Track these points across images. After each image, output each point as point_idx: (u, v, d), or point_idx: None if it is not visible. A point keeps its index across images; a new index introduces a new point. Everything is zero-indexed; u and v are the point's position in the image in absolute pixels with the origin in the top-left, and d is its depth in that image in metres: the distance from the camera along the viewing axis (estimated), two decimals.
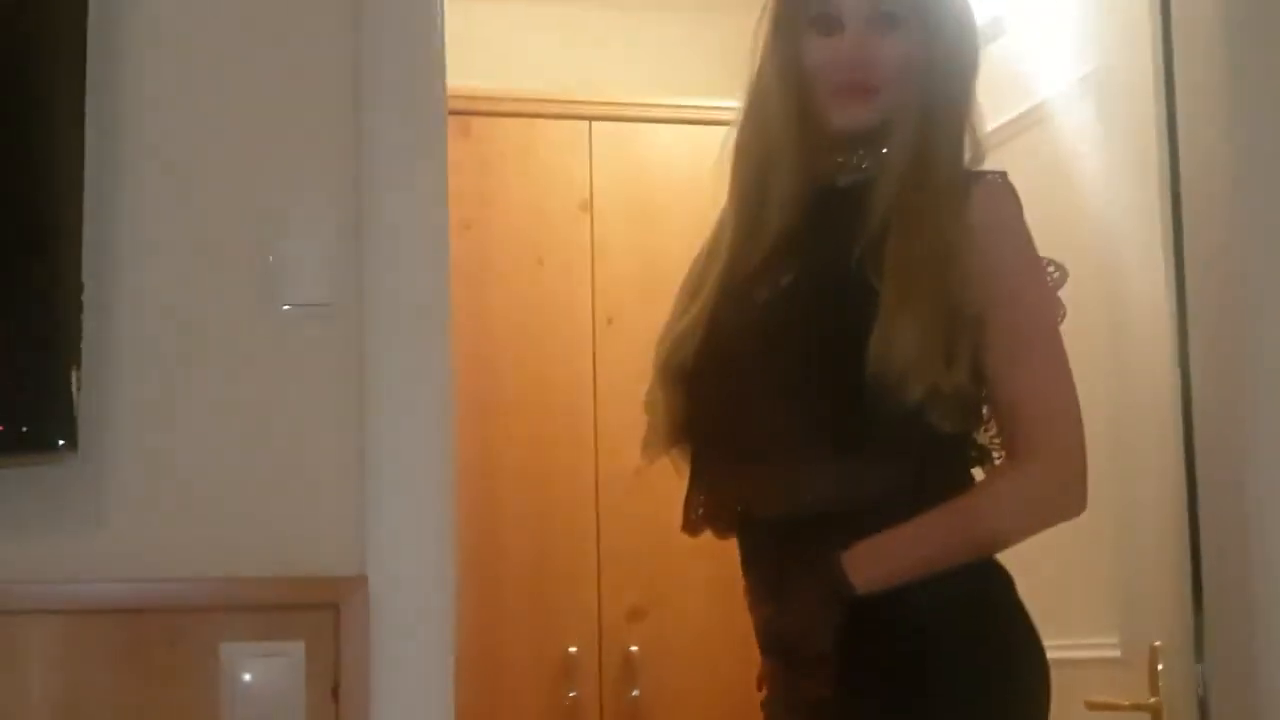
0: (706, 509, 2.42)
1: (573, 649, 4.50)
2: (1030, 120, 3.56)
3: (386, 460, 2.45)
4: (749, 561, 2.39)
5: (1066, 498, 2.30)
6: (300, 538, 2.42)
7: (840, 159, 2.43)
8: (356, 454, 2.45)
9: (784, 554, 2.29)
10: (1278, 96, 2.82)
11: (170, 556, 2.38)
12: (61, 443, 2.28)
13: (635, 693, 4.51)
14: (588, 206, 4.68)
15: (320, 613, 2.38)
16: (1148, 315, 3.12)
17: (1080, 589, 3.22)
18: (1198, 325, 2.91)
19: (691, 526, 2.45)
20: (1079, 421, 2.30)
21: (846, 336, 2.24)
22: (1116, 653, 3.14)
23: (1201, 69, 2.90)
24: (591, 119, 4.73)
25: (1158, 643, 2.99)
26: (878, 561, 2.23)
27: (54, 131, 2.33)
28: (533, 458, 4.55)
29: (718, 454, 2.40)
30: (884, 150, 2.39)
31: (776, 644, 2.30)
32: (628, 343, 4.47)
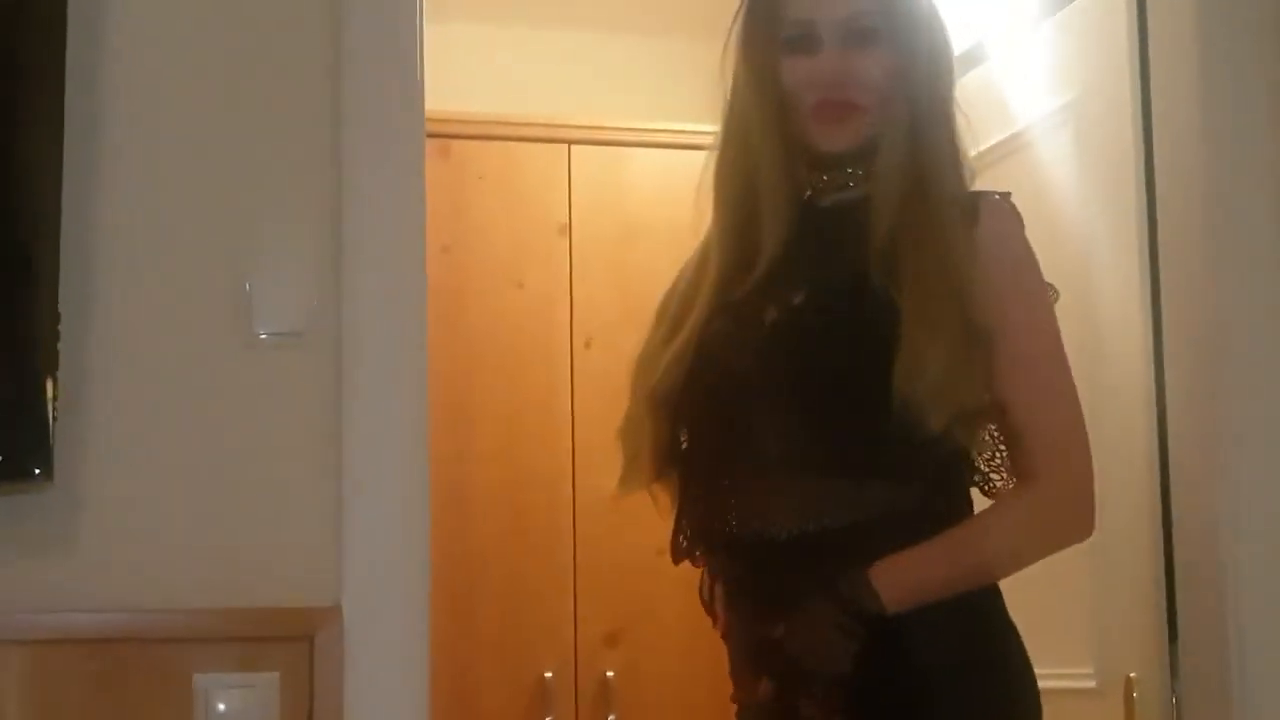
0: (694, 531, 2.37)
1: (548, 674, 4.48)
2: (1010, 147, 3.57)
3: (362, 491, 2.44)
4: (743, 583, 2.33)
5: (1077, 521, 2.31)
6: (275, 568, 2.41)
7: (826, 176, 2.40)
8: (332, 484, 2.44)
9: (796, 574, 2.24)
10: (1253, 125, 2.83)
11: (145, 586, 2.38)
12: (38, 471, 2.28)
13: (611, 718, 4.50)
14: (566, 230, 4.67)
15: (294, 644, 2.37)
16: (1124, 342, 3.13)
17: (1055, 619, 3.22)
18: (1174, 354, 2.92)
19: (681, 554, 2.41)
20: (1087, 445, 2.31)
21: (869, 354, 2.23)
22: (1092, 683, 3.14)
23: (1178, 98, 2.91)
24: (571, 142, 4.73)
25: (1133, 674, 2.99)
26: (903, 580, 2.21)
27: (31, 162, 2.33)
28: (509, 480, 4.54)
29: (716, 476, 2.33)
30: (873, 166, 2.35)
31: (784, 665, 2.23)
32: (606, 366, 4.47)
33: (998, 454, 2.33)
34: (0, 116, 2.33)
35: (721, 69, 2.46)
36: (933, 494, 2.27)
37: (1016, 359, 2.27)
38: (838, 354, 2.26)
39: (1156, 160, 3.00)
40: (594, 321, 4.61)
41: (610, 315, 4.57)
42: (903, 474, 2.24)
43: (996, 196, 2.38)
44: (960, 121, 2.41)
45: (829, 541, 2.23)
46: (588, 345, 4.63)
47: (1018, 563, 2.31)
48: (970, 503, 2.35)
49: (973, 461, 2.33)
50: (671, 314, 2.45)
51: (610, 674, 4.51)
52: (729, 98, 2.45)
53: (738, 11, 2.43)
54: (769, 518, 2.26)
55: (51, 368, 2.30)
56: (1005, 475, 2.32)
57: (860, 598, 2.19)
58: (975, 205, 2.34)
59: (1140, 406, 3.06)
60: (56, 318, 2.31)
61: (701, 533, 2.37)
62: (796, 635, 2.21)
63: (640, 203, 4.68)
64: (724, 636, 2.42)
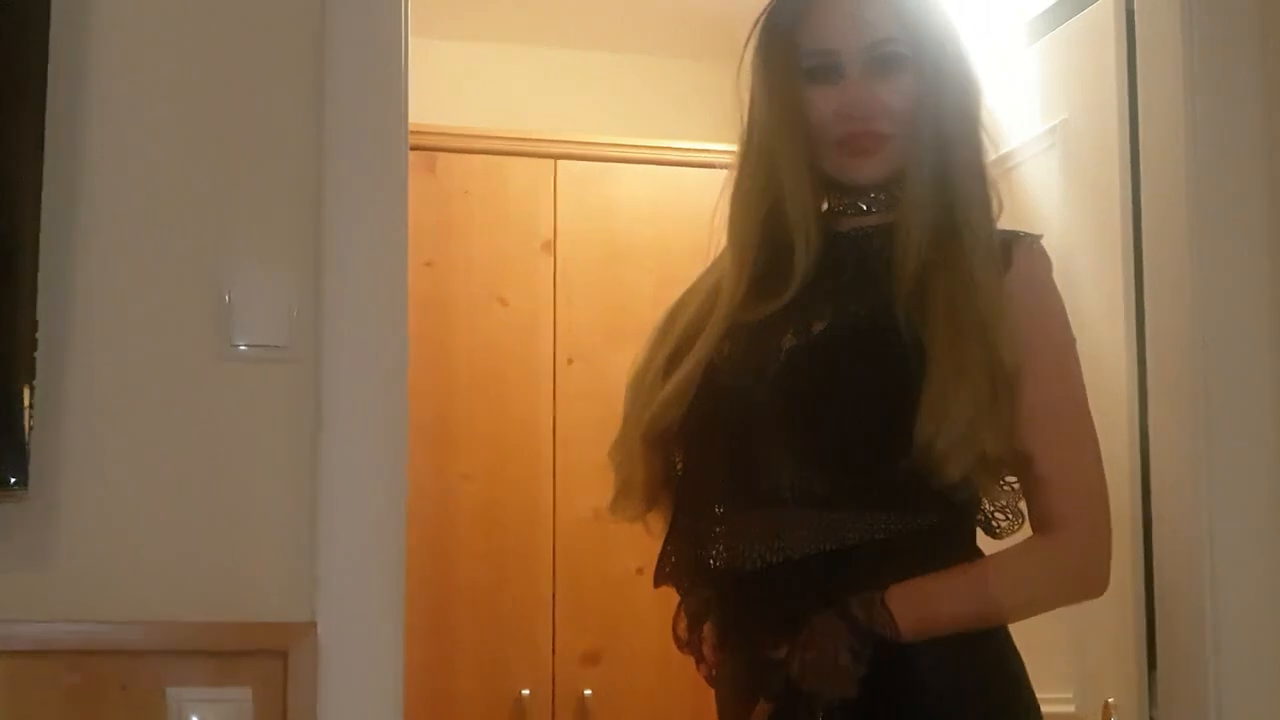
0: (686, 557, 2.30)
1: (525, 691, 4.47)
2: (998, 170, 3.54)
3: (338, 506, 2.43)
4: (740, 610, 2.25)
5: (1092, 576, 2.27)
6: (250, 583, 2.40)
7: (851, 205, 2.34)
8: (309, 499, 2.43)
9: (799, 599, 2.17)
10: (1239, 150, 2.84)
11: (119, 599, 2.36)
12: (14, 481, 2.27)
13: None
14: (551, 246, 4.67)
15: (268, 658, 2.36)
16: (1108, 366, 3.13)
17: (1035, 642, 3.20)
18: (1158, 378, 2.91)
19: (665, 579, 2.35)
20: (1106, 499, 2.27)
21: (889, 391, 2.18)
22: (1071, 708, 3.14)
23: (1165, 122, 2.91)
24: (557, 158, 4.73)
25: (1111, 699, 2.99)
26: (918, 609, 2.15)
27: (10, 173, 2.32)
28: (490, 497, 4.53)
29: (715, 503, 2.26)
30: (898, 193, 2.29)
31: (786, 685, 2.15)
32: (588, 383, 4.47)
33: (1004, 499, 2.26)
34: None
35: (736, 92, 2.38)
36: (941, 525, 2.21)
37: (1042, 409, 2.21)
38: (858, 387, 2.21)
39: (1143, 184, 3.00)
40: (577, 339, 4.61)
41: (594, 333, 4.56)
42: (914, 508, 2.18)
43: (1029, 239, 2.32)
44: (989, 149, 2.35)
45: (842, 561, 2.17)
46: (570, 362, 4.62)
47: (1030, 610, 2.28)
48: (974, 535, 2.30)
49: (982, 504, 2.28)
50: (675, 339, 2.36)
51: (588, 692, 4.50)
52: (747, 124, 2.37)
53: (750, 36, 2.35)
54: (775, 547, 2.19)
55: (29, 377, 2.29)
56: (1010, 517, 2.27)
57: (874, 621, 2.13)
58: (1010, 247, 2.28)
59: (1123, 431, 3.06)
60: (34, 327, 2.30)
61: (693, 559, 2.30)
62: (802, 655, 2.14)
63: (626, 220, 4.68)
64: (709, 679, 2.35)
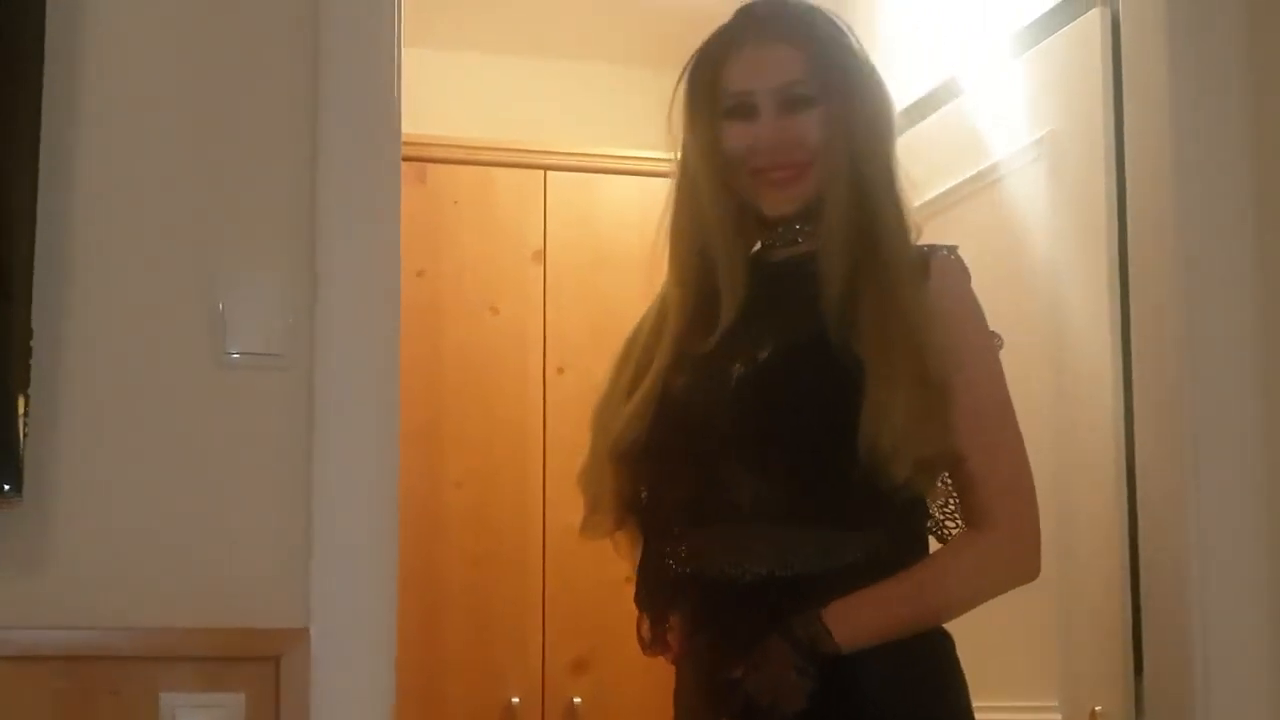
0: (657, 576, 2.44)
1: (515, 699, 4.48)
2: (984, 181, 3.58)
3: (331, 513, 2.44)
4: (704, 625, 2.39)
5: (1024, 564, 2.39)
6: (243, 589, 2.41)
7: (775, 234, 2.50)
8: (302, 505, 2.44)
9: (758, 616, 2.30)
10: (1226, 161, 2.85)
11: (112, 604, 2.37)
12: (7, 487, 2.27)
13: None
14: (541, 256, 4.69)
15: (261, 664, 2.37)
16: (1093, 377, 3.14)
17: (1022, 651, 3.23)
18: (1143, 390, 2.93)
19: (663, 605, 2.48)
20: (1034, 491, 2.40)
21: (835, 406, 2.31)
22: (1057, 716, 3.14)
23: (1151, 134, 2.92)
24: (547, 168, 4.75)
25: (1098, 707, 3.00)
26: (857, 620, 2.28)
27: (5, 180, 2.32)
28: (480, 505, 4.55)
29: (681, 523, 2.40)
30: (819, 223, 2.44)
31: (742, 704, 2.29)
32: (578, 392, 4.47)
33: (950, 501, 2.42)
34: None
35: (668, 131, 2.54)
36: (894, 539, 2.35)
37: (970, 411, 2.36)
38: (805, 406, 2.35)
39: (1129, 196, 3.01)
40: (567, 348, 4.63)
41: (583, 342, 4.58)
42: (867, 521, 2.32)
43: (944, 251, 2.46)
44: (902, 177, 2.48)
45: (795, 585, 2.30)
46: (560, 371, 4.64)
47: (969, 604, 2.39)
48: (927, 548, 2.43)
49: (928, 509, 2.42)
50: (633, 364, 2.52)
51: (577, 700, 4.52)
52: (678, 161, 2.54)
53: (679, 81, 2.52)
54: (737, 562, 2.33)
55: (23, 384, 2.29)
56: (959, 522, 2.41)
57: (814, 637, 2.26)
58: (926, 261, 2.43)
59: (1109, 440, 3.07)
60: (29, 334, 2.31)
61: (664, 578, 2.43)
62: (754, 675, 2.28)
63: (615, 230, 4.70)
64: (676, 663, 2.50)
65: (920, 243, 2.47)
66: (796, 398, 2.36)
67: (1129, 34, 3.01)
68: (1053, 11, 3.43)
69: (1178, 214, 2.84)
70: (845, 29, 2.51)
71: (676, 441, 2.41)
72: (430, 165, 4.57)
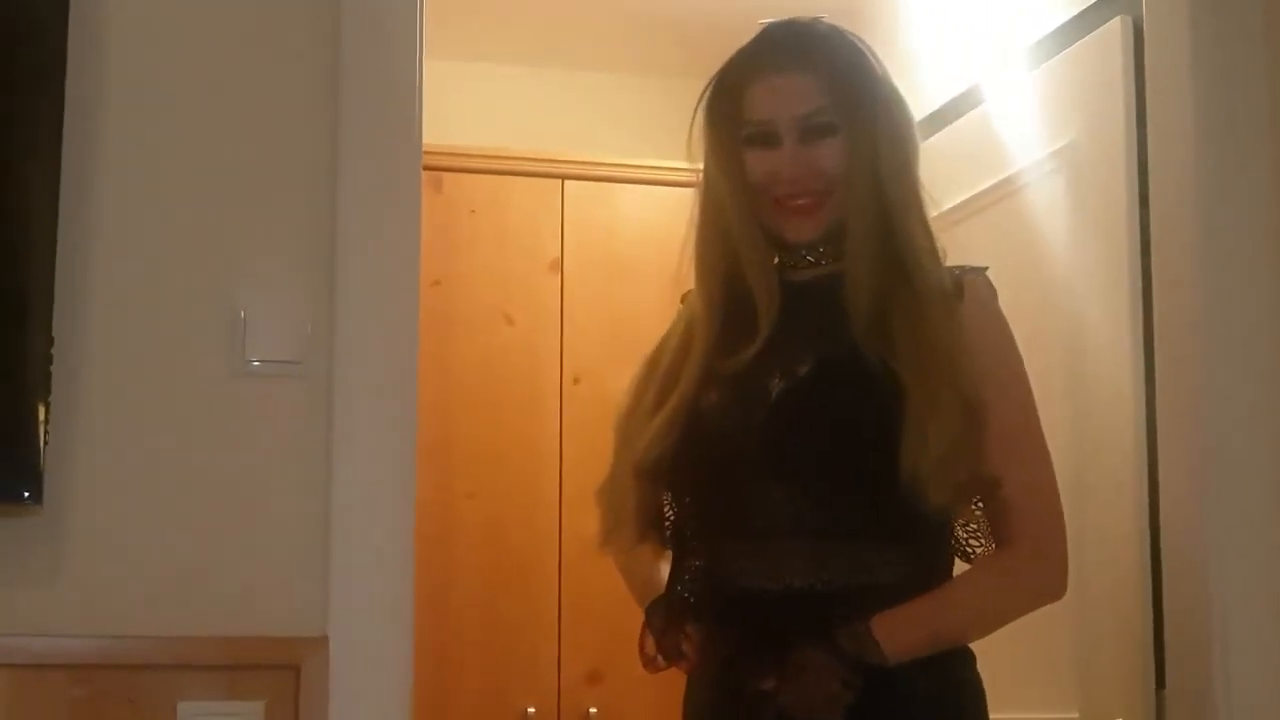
0: (696, 590, 2.44)
1: (531, 709, 4.46)
2: (1004, 191, 3.58)
3: (350, 521, 2.43)
4: (727, 636, 2.39)
5: (1053, 583, 2.42)
6: (262, 597, 2.40)
7: (794, 255, 2.51)
8: (321, 514, 2.43)
9: (794, 630, 2.31)
10: (1248, 172, 2.84)
11: (130, 612, 2.36)
12: (27, 495, 2.27)
13: None
14: (558, 266, 4.68)
15: (280, 673, 2.36)
16: (1116, 389, 3.13)
17: (1043, 662, 3.22)
18: (1165, 403, 2.92)
19: (679, 615, 2.46)
20: (1061, 512, 2.42)
21: (875, 426, 2.33)
22: None
23: (1174, 144, 2.91)
24: (564, 177, 4.74)
25: (1120, 719, 2.99)
26: (903, 634, 2.31)
27: (27, 187, 2.33)
28: (495, 516, 4.53)
29: (717, 538, 2.41)
30: (843, 247, 2.45)
31: (774, 717, 2.29)
32: (595, 402, 4.47)
33: (973, 521, 2.43)
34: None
35: (688, 152, 2.54)
36: (925, 557, 2.38)
37: (1003, 433, 2.39)
38: (847, 423, 2.37)
39: (1152, 206, 3.00)
40: (583, 359, 4.62)
41: (600, 353, 4.57)
42: (902, 539, 2.35)
43: (975, 274, 2.48)
44: (926, 199, 2.50)
45: (830, 599, 2.32)
46: (576, 382, 4.63)
47: (999, 622, 2.43)
48: (953, 565, 2.46)
49: (952, 529, 2.44)
50: (659, 380, 2.51)
51: (593, 711, 4.50)
52: (701, 183, 2.54)
53: (698, 103, 2.53)
54: (775, 575, 2.34)
55: (44, 392, 2.29)
56: (983, 541, 2.43)
57: (864, 650, 2.28)
58: (960, 285, 2.45)
59: (1131, 453, 3.06)
60: (50, 342, 2.30)
61: (703, 590, 2.43)
62: (790, 686, 2.28)
63: (633, 240, 4.69)
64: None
65: (949, 264, 2.49)
66: (838, 415, 2.38)
67: (1152, 44, 3.00)
68: (1073, 21, 3.43)
69: (1201, 226, 2.83)
70: (866, 50, 2.52)
71: (710, 457, 2.41)
72: (447, 174, 4.57)
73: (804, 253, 2.49)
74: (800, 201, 2.45)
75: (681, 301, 2.63)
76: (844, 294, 2.43)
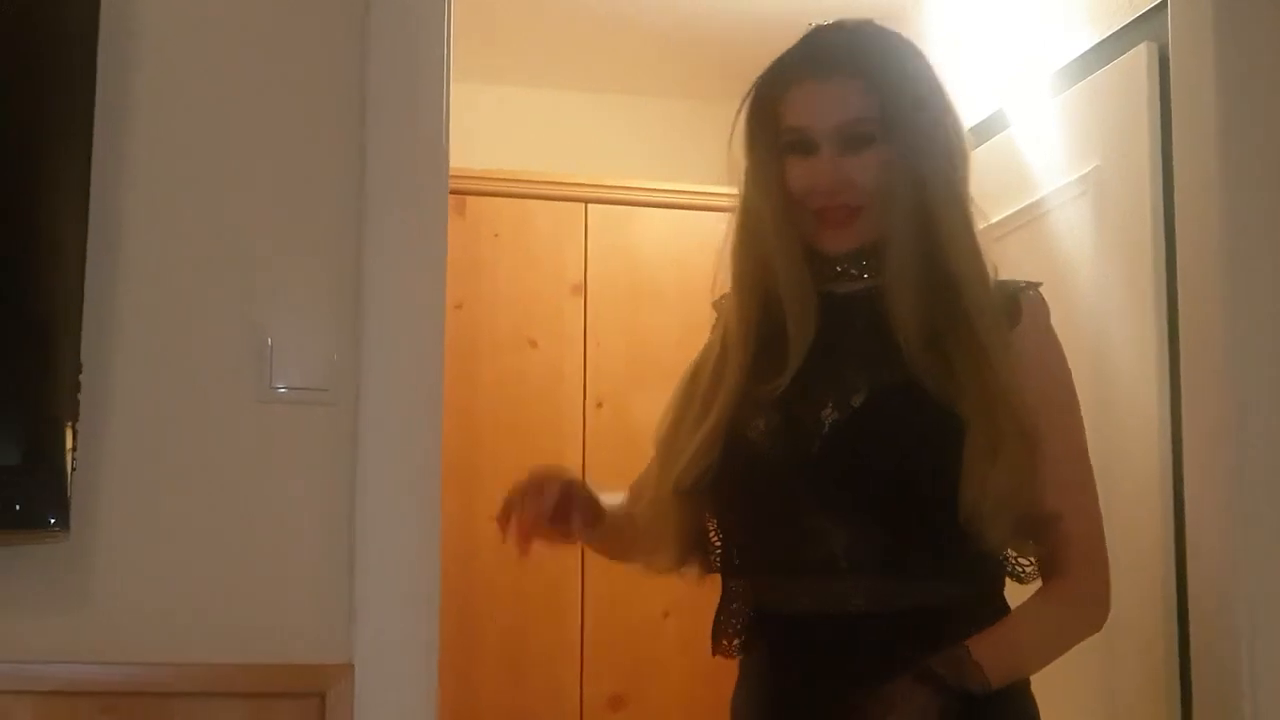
0: (755, 614, 2.37)
1: None
2: (1029, 215, 3.57)
3: (375, 548, 2.44)
4: (793, 662, 2.32)
5: (1103, 614, 2.38)
6: (287, 625, 2.41)
7: (836, 270, 2.42)
8: (346, 541, 2.44)
9: (868, 655, 2.24)
10: (1275, 199, 2.83)
11: (156, 639, 2.37)
12: (53, 521, 2.27)
13: None
14: (581, 289, 4.68)
15: (306, 700, 2.37)
16: (1141, 418, 3.12)
17: (1069, 695, 3.20)
18: (1192, 430, 2.90)
19: (728, 640, 2.41)
20: (1104, 537, 2.38)
21: (934, 458, 2.25)
22: None
23: (1200, 170, 2.90)
24: (587, 201, 4.74)
25: None
26: (998, 660, 2.24)
27: (57, 214, 2.34)
28: None
29: (766, 565, 2.35)
30: (884, 260, 2.36)
31: None
32: (617, 426, 4.47)
33: (1029, 553, 2.35)
34: (27, 152, 2.34)
35: (728, 162, 2.47)
36: (979, 581, 2.33)
37: (1056, 460, 2.31)
38: (905, 457, 2.28)
39: (1177, 232, 2.99)
40: (606, 382, 4.62)
41: (623, 377, 4.57)
42: (960, 571, 2.29)
43: (1032, 291, 2.42)
44: (975, 213, 2.40)
45: (892, 623, 2.25)
46: (599, 406, 4.63)
47: (1060, 652, 2.37)
48: (1004, 587, 2.39)
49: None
50: (700, 397, 2.43)
51: None
52: (740, 192, 2.46)
53: (738, 112, 2.44)
54: (825, 606, 2.28)
55: (71, 418, 2.30)
56: (1032, 563, 2.35)
57: (966, 676, 2.21)
58: (1016, 303, 2.38)
59: (1156, 479, 3.05)
60: (78, 368, 2.31)
61: (750, 623, 2.38)
62: (893, 715, 2.18)
63: (655, 264, 4.69)
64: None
65: (1001, 278, 2.41)
66: (895, 450, 2.29)
67: (1177, 71, 2.99)
68: (1098, 47, 3.42)
69: (1227, 251, 2.82)
70: (918, 55, 2.43)
71: (758, 487, 2.34)
72: (470, 198, 4.57)
73: (846, 265, 2.40)
74: (834, 214, 2.36)
75: (714, 308, 2.55)
76: (889, 310, 2.34)
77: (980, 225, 2.41)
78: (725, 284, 2.49)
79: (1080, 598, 2.35)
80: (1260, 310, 2.80)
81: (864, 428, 2.31)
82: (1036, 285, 2.43)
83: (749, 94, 2.44)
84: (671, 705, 4.48)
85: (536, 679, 4.48)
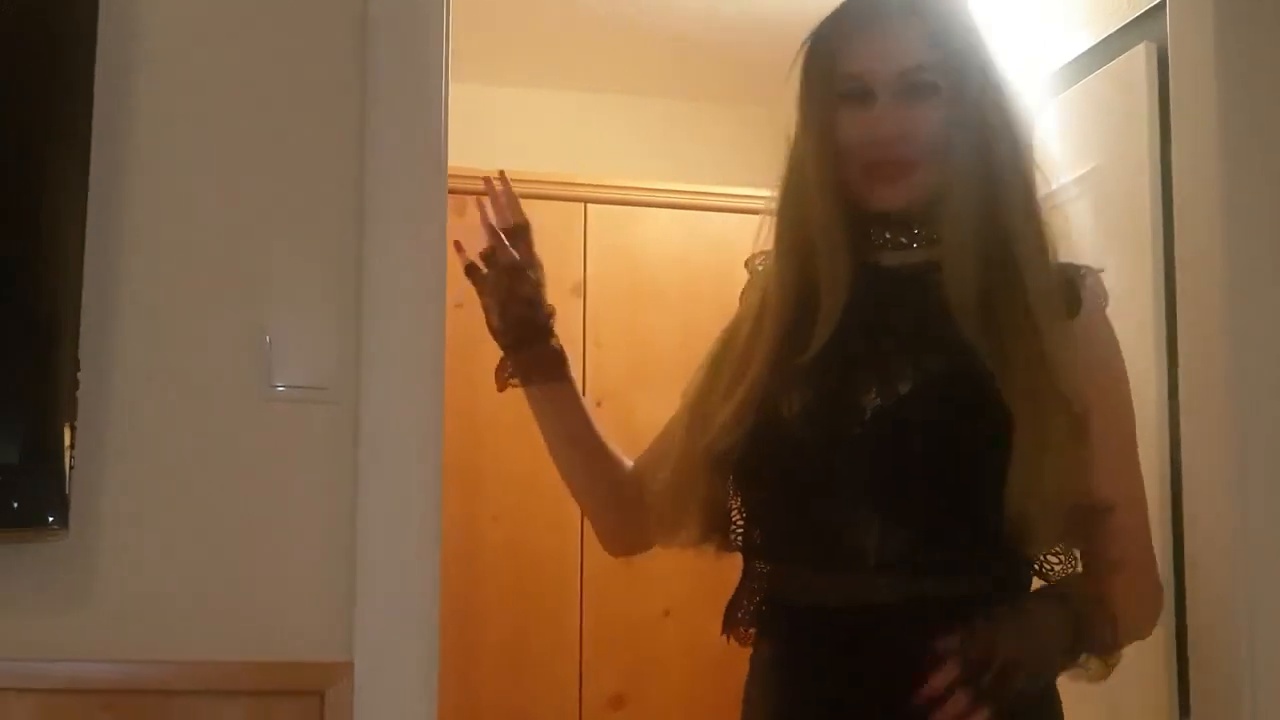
0: (777, 603, 2.28)
1: None
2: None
3: (376, 546, 2.44)
4: (827, 652, 2.22)
5: (1160, 606, 2.36)
6: (288, 623, 2.41)
7: (886, 236, 2.30)
8: (346, 539, 2.44)
9: (899, 645, 2.12)
10: (1273, 200, 2.83)
11: (156, 637, 2.37)
12: (52, 519, 2.27)
13: None
14: (580, 289, 4.68)
15: (305, 698, 2.37)
16: (1140, 416, 3.11)
17: (1066, 693, 3.20)
18: (1192, 428, 2.91)
19: (739, 624, 2.33)
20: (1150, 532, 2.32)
21: (977, 454, 2.16)
22: None
23: (1200, 171, 2.90)
24: (587, 201, 4.74)
25: None
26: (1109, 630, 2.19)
27: (56, 214, 2.34)
28: (517, 540, 4.53)
29: (793, 553, 2.26)
30: (941, 227, 2.25)
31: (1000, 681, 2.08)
32: (618, 425, 4.43)
33: (1071, 549, 2.26)
34: (27, 152, 2.34)
35: (783, 112, 2.36)
36: (1008, 571, 2.23)
37: (1108, 450, 2.23)
38: (945, 453, 2.17)
39: (1177, 232, 2.99)
40: (606, 382, 4.61)
41: (623, 377, 4.57)
42: (993, 567, 2.19)
43: (1092, 276, 2.32)
44: (1039, 179, 2.30)
45: (921, 615, 2.14)
46: (599, 405, 4.62)
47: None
48: (1031, 579, 2.30)
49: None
50: (733, 364, 2.32)
51: None
52: (788, 148, 2.34)
53: (794, 62, 2.32)
54: (850, 599, 2.18)
55: (70, 417, 2.30)
56: (1062, 559, 2.24)
57: (1097, 626, 2.17)
58: (1076, 290, 2.28)
59: (1156, 476, 3.05)
60: (76, 366, 2.31)
61: (772, 611, 2.30)
62: (1027, 640, 2.11)
63: (655, 263, 4.69)
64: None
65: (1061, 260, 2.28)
66: (938, 442, 2.17)
67: (1177, 70, 2.99)
68: (1097, 47, 3.42)
69: (1226, 251, 2.82)
70: (973, 13, 2.31)
71: (789, 471, 2.22)
72: (470, 198, 4.55)
73: (895, 232, 2.28)
74: (887, 169, 2.22)
75: (746, 267, 2.44)
76: (942, 286, 2.21)
77: (1042, 190, 2.30)
78: (766, 241, 2.37)
79: (1142, 595, 2.29)
80: (1260, 310, 2.80)
81: (910, 419, 2.18)
82: (1097, 272, 2.32)
83: (804, 44, 2.31)
84: (672, 705, 4.48)
85: (536, 678, 4.49)
